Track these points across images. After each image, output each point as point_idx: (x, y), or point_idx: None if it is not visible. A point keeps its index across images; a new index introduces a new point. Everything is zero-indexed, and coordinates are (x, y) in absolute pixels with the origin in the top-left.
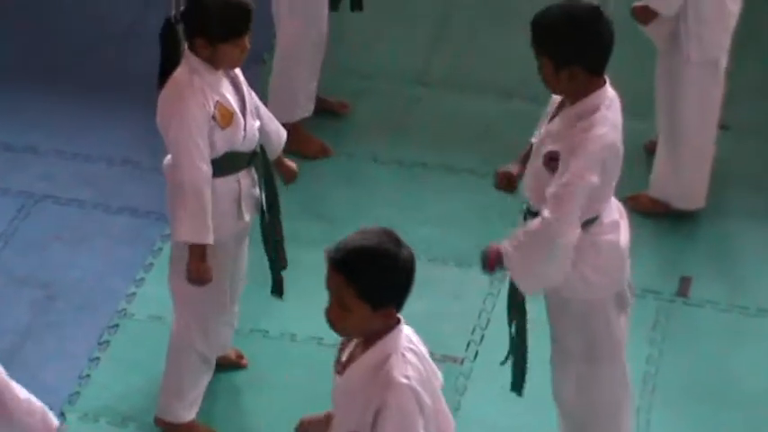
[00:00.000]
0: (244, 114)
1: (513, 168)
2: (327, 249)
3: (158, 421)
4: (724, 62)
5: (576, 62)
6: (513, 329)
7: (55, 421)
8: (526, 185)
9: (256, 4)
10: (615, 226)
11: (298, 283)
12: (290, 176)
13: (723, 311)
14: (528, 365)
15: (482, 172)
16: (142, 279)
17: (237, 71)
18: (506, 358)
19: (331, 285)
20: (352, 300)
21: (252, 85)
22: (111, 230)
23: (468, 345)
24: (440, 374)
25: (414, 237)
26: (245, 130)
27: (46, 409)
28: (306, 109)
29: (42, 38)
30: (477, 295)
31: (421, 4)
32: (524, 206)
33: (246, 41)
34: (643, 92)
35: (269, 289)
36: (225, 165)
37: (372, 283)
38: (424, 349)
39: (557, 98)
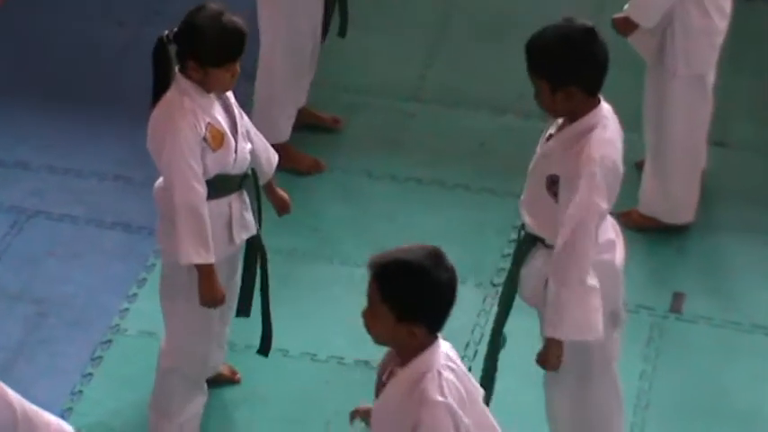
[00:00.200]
0: (235, 137)
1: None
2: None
3: None
4: (711, 78)
5: (572, 83)
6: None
7: None
8: (525, 210)
9: (249, 24)
10: (611, 245)
11: (291, 299)
12: (282, 208)
13: (716, 327)
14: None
15: (476, 187)
16: (135, 295)
17: (229, 93)
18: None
19: (369, 287)
20: (378, 304)
21: (242, 102)
22: (103, 246)
23: (461, 360)
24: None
25: None
26: (236, 152)
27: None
28: (286, 133)
29: (35, 53)
30: (472, 311)
31: (415, 19)
32: (521, 232)
33: (238, 66)
34: (636, 107)
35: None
36: (216, 187)
37: (397, 293)
38: (463, 367)
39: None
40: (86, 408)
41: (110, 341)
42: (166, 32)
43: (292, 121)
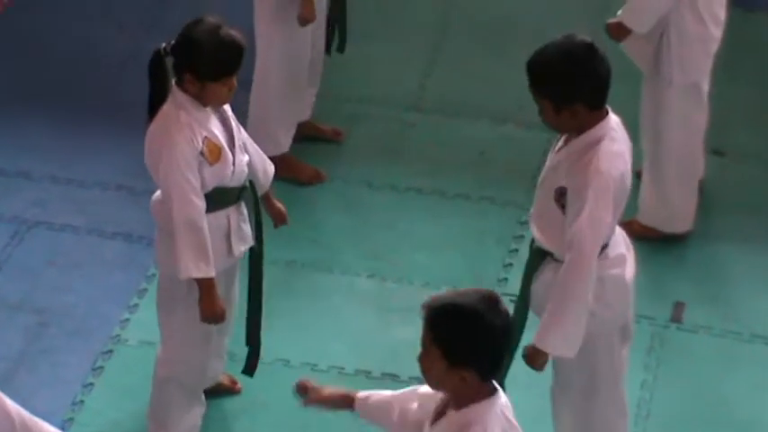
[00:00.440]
0: (232, 150)
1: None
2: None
3: None
4: (706, 86)
5: (576, 101)
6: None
7: None
8: (534, 224)
9: (247, 36)
10: (621, 259)
11: (292, 308)
12: (279, 219)
13: (717, 337)
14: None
15: (476, 197)
16: (136, 305)
17: (226, 106)
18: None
19: (423, 330)
20: (431, 347)
21: (240, 113)
22: (104, 256)
23: None
24: None
25: (408, 262)
26: (233, 165)
27: None
28: (285, 145)
29: (37, 63)
30: None
31: (415, 29)
32: (532, 245)
33: (235, 80)
34: (633, 116)
35: (262, 315)
36: (214, 200)
37: (448, 336)
38: (515, 422)
39: None
40: (87, 418)
41: (110, 351)
42: (164, 45)
43: (292, 132)
